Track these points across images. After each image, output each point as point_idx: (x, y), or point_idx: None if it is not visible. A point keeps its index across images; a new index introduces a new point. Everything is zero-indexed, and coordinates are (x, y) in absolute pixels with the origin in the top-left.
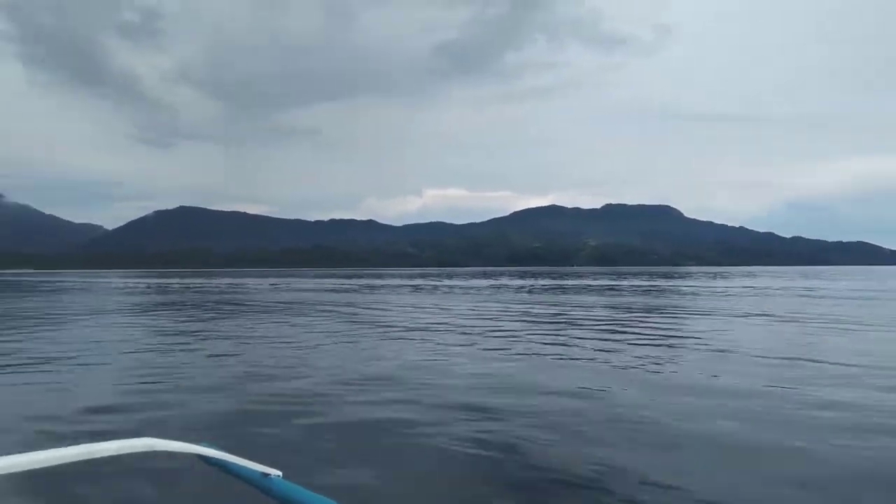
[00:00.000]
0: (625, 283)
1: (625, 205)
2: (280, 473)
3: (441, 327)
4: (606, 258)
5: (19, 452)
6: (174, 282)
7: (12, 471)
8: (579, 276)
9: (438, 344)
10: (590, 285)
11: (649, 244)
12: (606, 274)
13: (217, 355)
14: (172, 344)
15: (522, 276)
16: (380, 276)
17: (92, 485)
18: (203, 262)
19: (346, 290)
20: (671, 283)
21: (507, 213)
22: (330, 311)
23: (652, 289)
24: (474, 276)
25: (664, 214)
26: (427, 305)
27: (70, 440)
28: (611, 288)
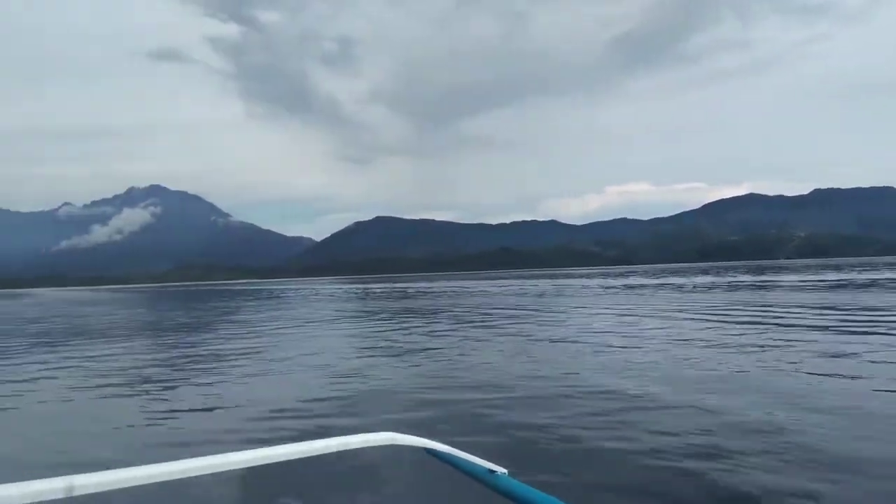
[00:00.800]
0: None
1: (837, 189)
2: (506, 471)
3: (697, 339)
4: (819, 249)
5: (283, 443)
6: (401, 286)
7: (274, 461)
8: (793, 270)
9: (733, 369)
10: (840, 280)
11: (869, 231)
12: (829, 267)
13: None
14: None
15: (737, 271)
16: (574, 276)
17: (336, 474)
18: (399, 267)
19: (565, 294)
20: None
21: (697, 206)
22: (579, 318)
23: None
24: (675, 272)
25: (887, 197)
26: (655, 310)
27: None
28: (858, 283)
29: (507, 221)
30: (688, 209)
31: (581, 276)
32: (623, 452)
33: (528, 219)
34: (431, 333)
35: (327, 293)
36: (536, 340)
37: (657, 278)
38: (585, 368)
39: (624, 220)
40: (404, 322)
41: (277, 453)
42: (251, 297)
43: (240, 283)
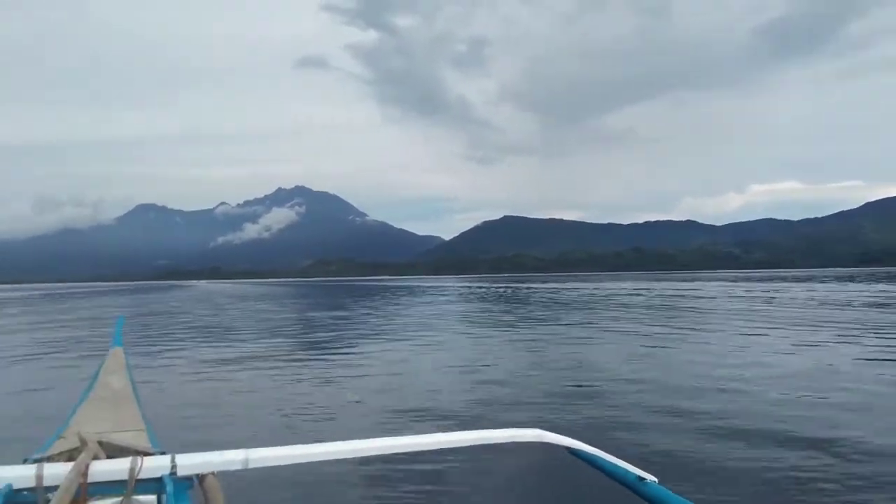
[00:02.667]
0: None
1: None
2: (656, 479)
3: None
4: None
5: (430, 433)
6: (550, 286)
7: (422, 448)
8: None
9: None
10: None
11: None
12: None
13: None
14: None
15: None
16: (723, 280)
17: (478, 467)
18: (527, 267)
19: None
20: None
21: (857, 205)
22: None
23: None
24: (851, 277)
25: None
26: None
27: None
28: None
29: (640, 221)
30: (845, 209)
31: (734, 280)
32: None
33: (663, 218)
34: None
35: (475, 292)
36: None
37: (832, 283)
38: None
39: (770, 221)
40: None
41: (426, 441)
42: (397, 293)
43: (378, 280)
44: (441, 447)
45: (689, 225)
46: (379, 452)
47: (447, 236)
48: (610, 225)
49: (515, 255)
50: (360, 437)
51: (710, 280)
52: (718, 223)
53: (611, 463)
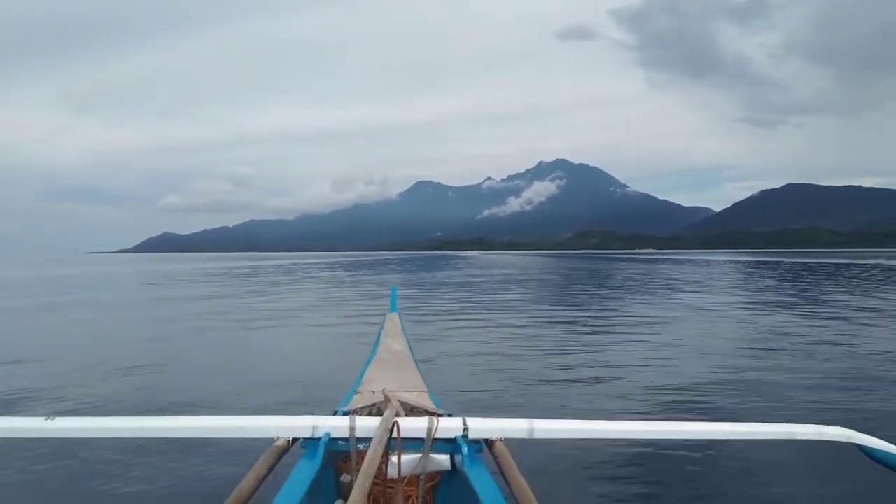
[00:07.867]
0: None
1: None
2: None
3: None
4: None
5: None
6: None
7: (714, 437)
8: None
9: None
10: None
11: None
12: None
13: None
14: None
15: None
16: None
17: (767, 463)
18: (815, 241)
19: None
20: None
21: None
22: None
23: None
24: None
25: None
26: None
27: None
28: None
29: None
30: None
31: None
32: None
33: None
34: None
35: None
36: None
37: None
38: None
39: None
40: None
41: (717, 430)
42: (675, 265)
43: (636, 253)
44: (734, 437)
45: None
46: (667, 437)
47: (717, 207)
48: None
49: (803, 228)
50: (644, 419)
51: None
52: None
53: None
